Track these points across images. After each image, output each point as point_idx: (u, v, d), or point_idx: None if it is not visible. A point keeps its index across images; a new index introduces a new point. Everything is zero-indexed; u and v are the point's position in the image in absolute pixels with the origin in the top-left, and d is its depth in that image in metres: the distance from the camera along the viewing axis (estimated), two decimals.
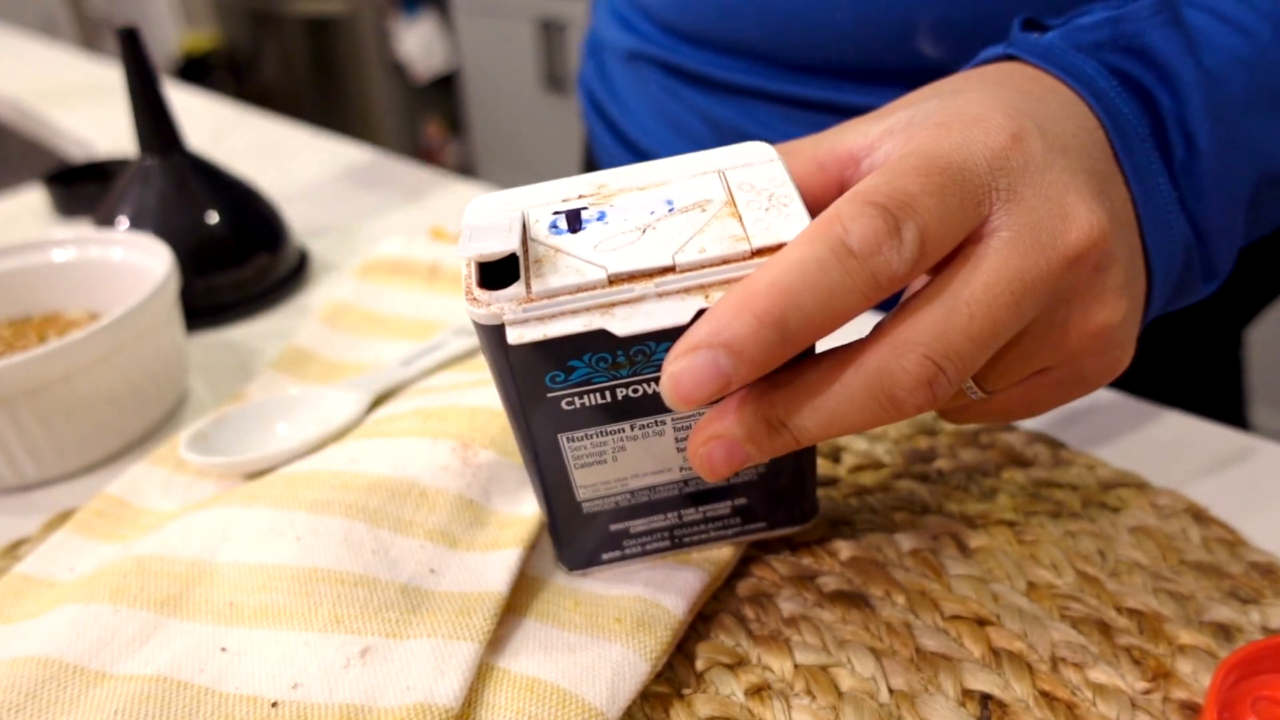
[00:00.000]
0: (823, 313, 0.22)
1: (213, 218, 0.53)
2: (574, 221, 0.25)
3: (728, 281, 0.23)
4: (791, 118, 0.45)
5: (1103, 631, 0.30)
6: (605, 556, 0.31)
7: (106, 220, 0.52)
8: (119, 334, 0.39)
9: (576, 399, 0.25)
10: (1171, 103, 0.28)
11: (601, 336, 0.23)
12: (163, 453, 0.40)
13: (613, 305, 0.23)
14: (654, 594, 0.30)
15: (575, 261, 0.23)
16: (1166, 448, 0.38)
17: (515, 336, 0.23)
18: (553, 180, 0.26)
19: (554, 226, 0.25)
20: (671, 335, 0.24)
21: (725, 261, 0.23)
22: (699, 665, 0.30)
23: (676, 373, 0.22)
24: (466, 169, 2.77)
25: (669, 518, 0.30)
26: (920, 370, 0.23)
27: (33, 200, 0.72)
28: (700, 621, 0.31)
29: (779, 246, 0.23)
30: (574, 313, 0.23)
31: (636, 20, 0.48)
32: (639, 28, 0.48)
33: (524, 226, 0.25)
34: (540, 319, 0.23)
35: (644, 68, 0.50)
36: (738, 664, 0.30)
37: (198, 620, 0.30)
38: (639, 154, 0.57)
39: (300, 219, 0.64)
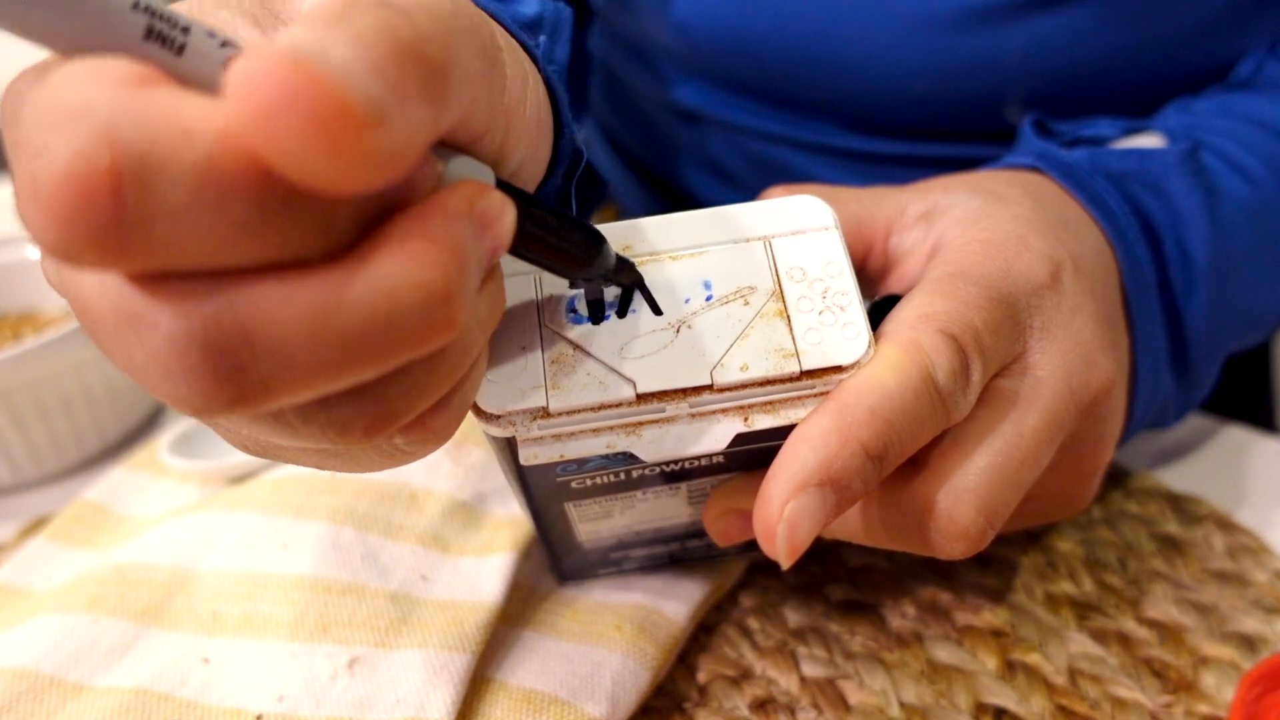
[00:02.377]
0: (910, 447, 0.22)
1: None
2: (596, 308, 0.22)
3: (770, 404, 0.21)
4: (854, 168, 0.46)
5: (1122, 643, 0.30)
6: (601, 572, 0.32)
7: None
8: None
9: (588, 480, 0.24)
10: (1180, 264, 0.30)
11: (623, 453, 0.21)
12: (143, 457, 0.40)
13: (640, 425, 0.21)
14: (655, 601, 0.30)
15: (599, 369, 0.21)
16: (1190, 452, 0.38)
17: (529, 457, 0.21)
18: None
19: (572, 310, 0.22)
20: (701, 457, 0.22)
21: (770, 382, 0.21)
22: (701, 678, 0.30)
23: (793, 519, 0.20)
24: None
25: (671, 546, 0.30)
26: (972, 525, 0.23)
27: (7, 193, 0.72)
28: (703, 633, 0.31)
29: (833, 370, 0.21)
30: (595, 431, 0.21)
31: (687, 78, 0.48)
32: (692, 84, 0.48)
33: (538, 307, 0.22)
34: (558, 437, 0.21)
35: (698, 124, 0.50)
36: (742, 677, 0.30)
37: (180, 630, 0.30)
38: (661, 187, 0.57)
39: None
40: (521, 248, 0.19)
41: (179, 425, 0.40)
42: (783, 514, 0.20)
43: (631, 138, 0.58)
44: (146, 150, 0.12)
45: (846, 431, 0.20)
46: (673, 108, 0.50)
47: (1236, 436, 0.39)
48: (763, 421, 0.21)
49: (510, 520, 0.33)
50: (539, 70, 0.22)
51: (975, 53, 0.38)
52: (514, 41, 0.21)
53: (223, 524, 0.33)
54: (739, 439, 0.21)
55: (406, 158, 0.13)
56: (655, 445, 0.21)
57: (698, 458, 0.22)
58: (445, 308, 0.15)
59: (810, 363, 0.21)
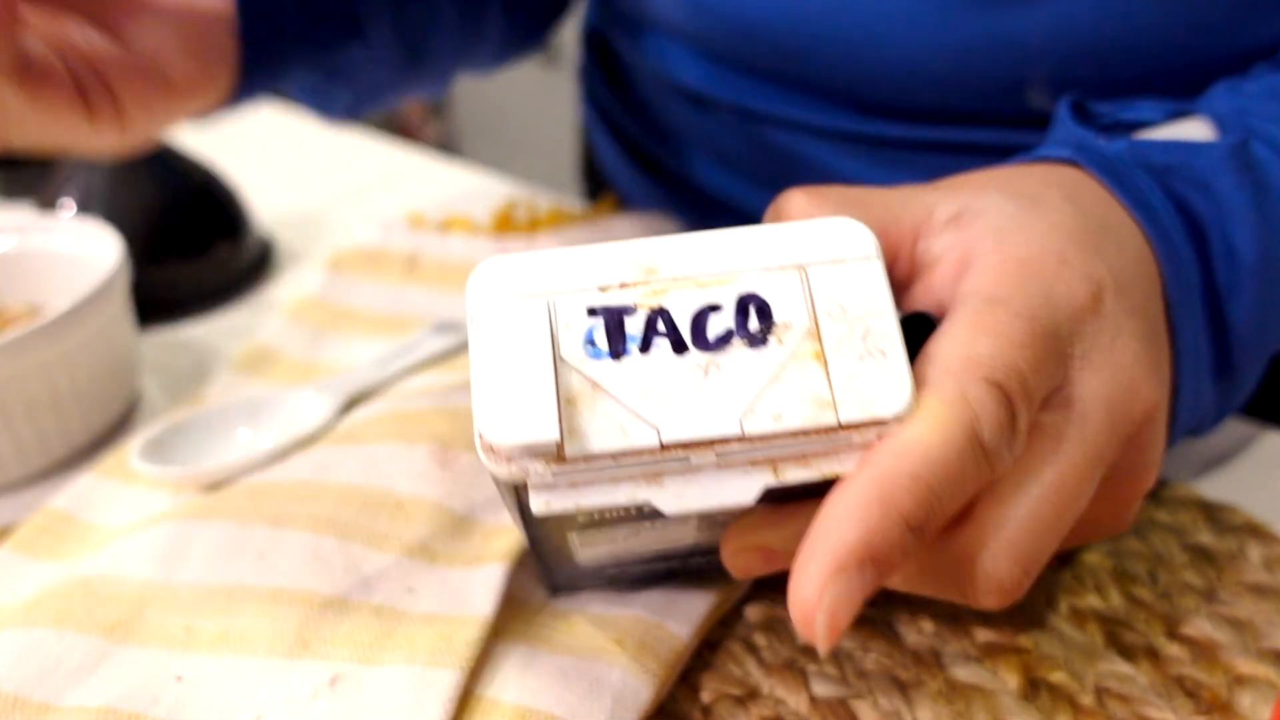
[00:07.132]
0: (951, 511, 0.22)
1: (168, 202, 0.53)
2: (616, 341, 0.21)
3: (803, 457, 0.21)
4: (868, 155, 0.46)
5: (1152, 661, 0.30)
6: (595, 585, 0.32)
7: (50, 205, 0.53)
8: (63, 332, 0.39)
9: (596, 514, 0.23)
10: (1226, 263, 0.30)
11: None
12: (112, 463, 0.40)
13: (662, 474, 0.21)
14: (657, 615, 0.30)
15: (620, 412, 0.21)
16: (1225, 458, 0.38)
17: (541, 506, 0.21)
18: (586, 247, 0.23)
19: (591, 343, 0.21)
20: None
21: (804, 434, 0.21)
22: (705, 697, 0.30)
23: (834, 605, 0.20)
24: (449, 147, 2.77)
25: (672, 562, 0.31)
26: (1009, 578, 0.23)
27: None
28: (706, 649, 0.31)
29: (873, 424, 0.21)
30: (613, 480, 0.21)
31: (692, 59, 0.48)
32: (698, 65, 0.48)
33: (552, 337, 0.21)
34: (573, 485, 0.21)
35: (703, 108, 0.50)
36: (748, 696, 0.30)
37: (151, 646, 0.30)
38: (664, 175, 0.57)
39: (265, 204, 0.65)
40: None
41: (150, 430, 0.40)
42: (822, 599, 0.20)
43: (631, 123, 0.58)
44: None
45: (888, 502, 0.20)
46: (677, 91, 0.50)
47: (1274, 442, 0.39)
48: (793, 475, 0.21)
49: (502, 529, 0.33)
50: None
51: (995, 32, 0.38)
52: None
53: (196, 534, 0.33)
54: (766, 491, 0.21)
55: None
56: (678, 497, 0.21)
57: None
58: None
59: (849, 414, 0.21)
